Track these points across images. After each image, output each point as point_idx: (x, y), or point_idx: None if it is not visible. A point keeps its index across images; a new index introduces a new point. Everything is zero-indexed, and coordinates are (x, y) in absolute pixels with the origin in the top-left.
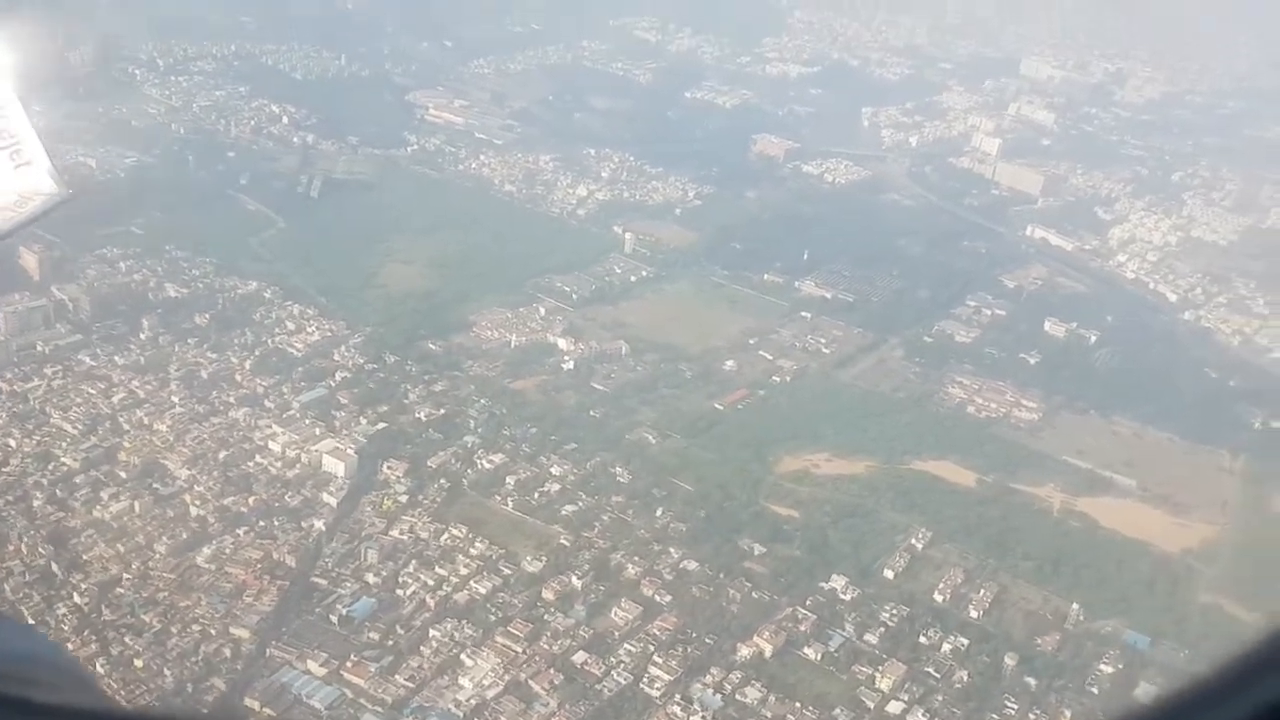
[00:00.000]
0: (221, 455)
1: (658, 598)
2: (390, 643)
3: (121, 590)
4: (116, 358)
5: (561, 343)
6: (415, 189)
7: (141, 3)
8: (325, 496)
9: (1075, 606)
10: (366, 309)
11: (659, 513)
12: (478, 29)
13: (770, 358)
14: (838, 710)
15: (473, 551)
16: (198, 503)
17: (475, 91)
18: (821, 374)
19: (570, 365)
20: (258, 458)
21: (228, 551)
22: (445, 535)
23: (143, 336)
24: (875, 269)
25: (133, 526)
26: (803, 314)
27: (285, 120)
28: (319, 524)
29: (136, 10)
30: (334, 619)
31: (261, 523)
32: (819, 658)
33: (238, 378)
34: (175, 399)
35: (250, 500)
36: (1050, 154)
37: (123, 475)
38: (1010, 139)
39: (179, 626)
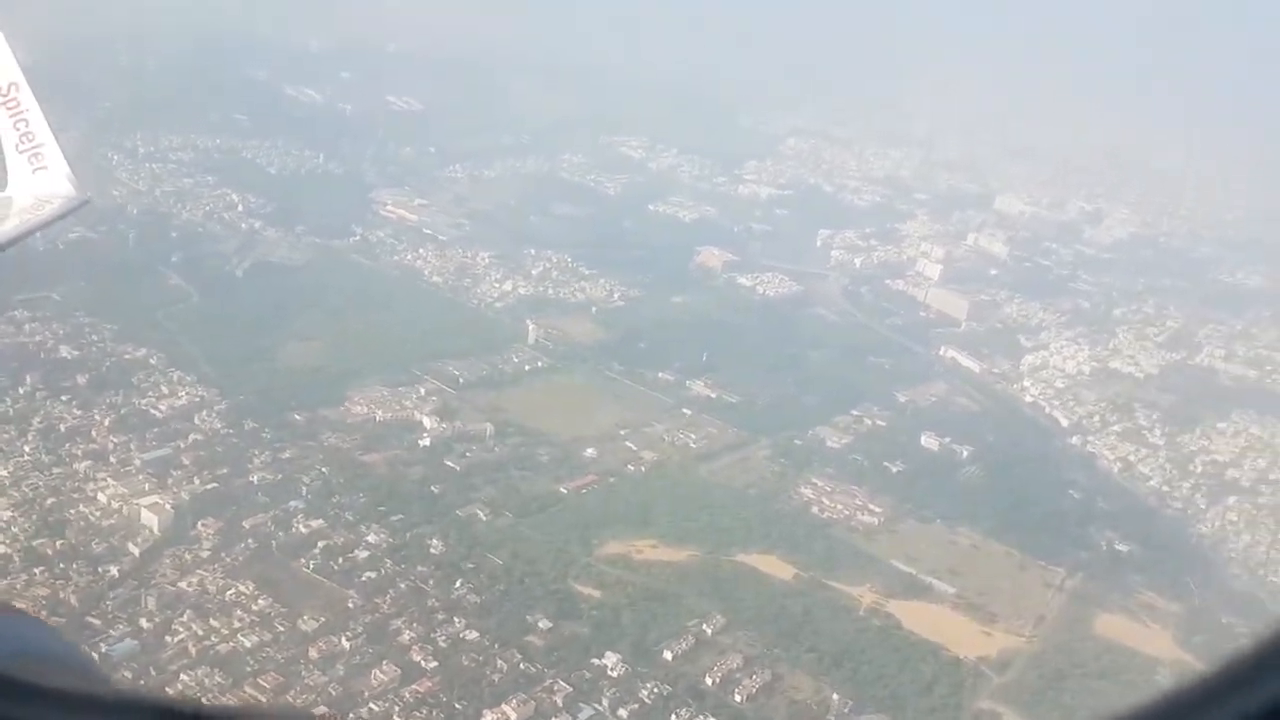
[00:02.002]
0: (49, 502)
1: (423, 663)
2: (141, 682)
3: None
4: None
5: (427, 421)
6: (343, 275)
7: (142, 94)
8: (131, 546)
9: (836, 698)
10: (247, 379)
11: (458, 584)
12: (467, 139)
13: (634, 448)
14: None
15: (254, 608)
16: (7, 542)
17: (439, 193)
18: (680, 466)
19: (427, 442)
20: (82, 506)
21: (18, 587)
22: (232, 591)
23: (21, 391)
24: (772, 375)
25: None
26: (684, 411)
27: (240, 208)
28: (114, 570)
29: (135, 100)
30: (94, 656)
31: (61, 565)
32: None
33: (94, 433)
34: (27, 448)
35: (58, 544)
36: (995, 283)
37: None
38: (958, 267)
39: None
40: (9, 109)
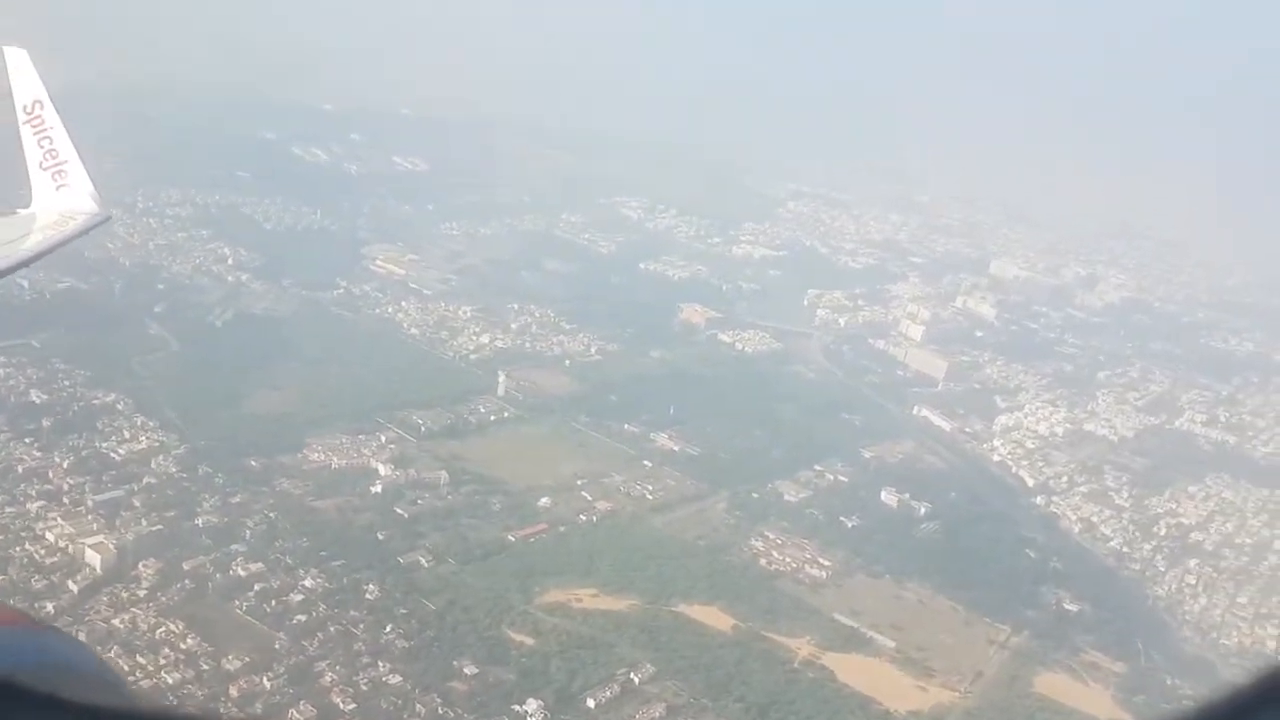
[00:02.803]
0: None
1: (342, 704)
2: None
3: None
4: None
5: (381, 469)
6: (322, 326)
7: (148, 149)
8: (71, 584)
9: None
10: (210, 426)
11: (388, 629)
12: (466, 198)
13: (590, 498)
14: None
15: (181, 646)
16: None
17: (432, 249)
18: (634, 517)
19: (379, 490)
20: (29, 545)
21: None
22: (162, 629)
23: None
24: (739, 429)
25: None
26: (645, 462)
27: (230, 261)
28: (51, 606)
29: (141, 155)
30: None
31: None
32: None
33: (51, 475)
34: None
35: (0, 580)
36: (979, 345)
37: None
38: (944, 328)
39: None
40: (34, 127)
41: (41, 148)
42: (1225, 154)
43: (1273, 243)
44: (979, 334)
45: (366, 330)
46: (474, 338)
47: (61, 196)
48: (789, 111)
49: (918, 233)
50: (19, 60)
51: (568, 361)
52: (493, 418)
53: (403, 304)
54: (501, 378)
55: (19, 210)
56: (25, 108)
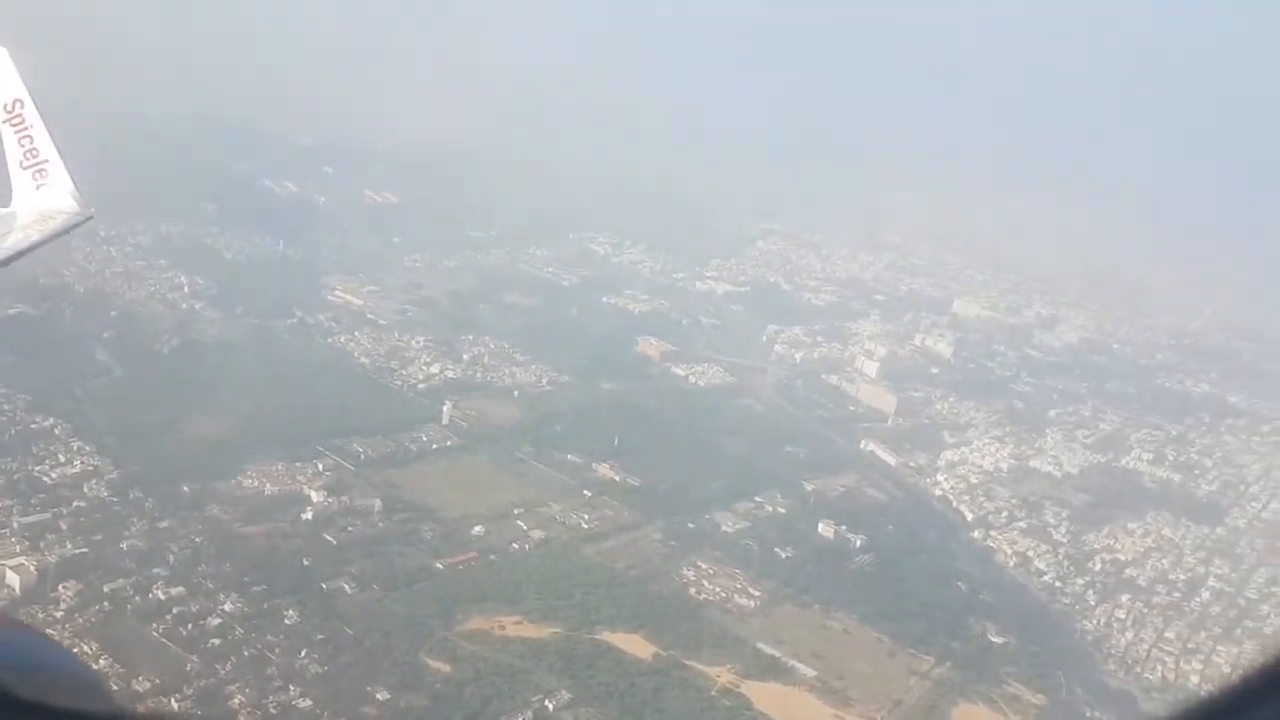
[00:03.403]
0: None
1: None
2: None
3: None
4: None
5: (314, 495)
6: (271, 354)
7: (116, 179)
8: None
9: None
10: (146, 451)
11: (303, 654)
12: (434, 231)
13: (525, 527)
14: None
15: (93, 668)
16: None
17: (393, 280)
18: (567, 546)
19: (309, 516)
20: None
21: None
22: (76, 650)
23: None
24: (682, 461)
25: None
26: (585, 492)
27: (185, 289)
28: None
29: (107, 185)
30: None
31: None
32: None
33: None
34: None
35: None
36: (934, 382)
37: None
38: (900, 365)
39: None
40: (14, 125)
41: (22, 147)
42: (1197, 199)
43: (1239, 287)
44: (934, 371)
45: (316, 359)
46: (424, 368)
47: (42, 196)
48: (766, 152)
49: (884, 272)
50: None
51: (516, 392)
52: (435, 446)
53: (356, 334)
54: (446, 407)
55: None
56: (5, 106)
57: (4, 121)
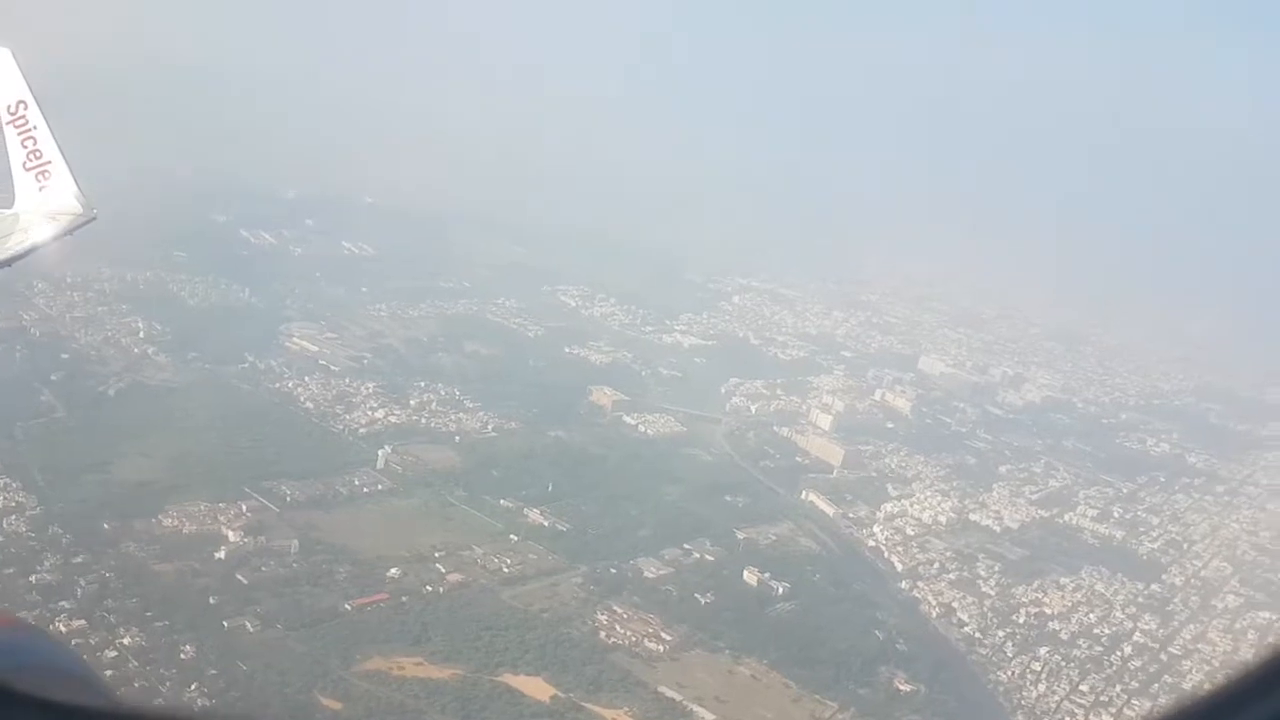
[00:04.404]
0: None
1: None
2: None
3: None
4: None
5: (232, 535)
6: (215, 398)
7: (90, 227)
8: None
9: None
10: (74, 489)
11: (193, 687)
12: (405, 282)
13: (443, 570)
14: None
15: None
16: None
17: (354, 328)
18: (483, 589)
19: (222, 555)
20: None
21: None
22: None
23: None
24: (616, 507)
25: None
26: (511, 537)
27: (141, 334)
28: None
29: (82, 232)
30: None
31: None
32: None
33: None
34: None
35: None
36: (888, 436)
37: None
38: (857, 419)
39: None
40: (17, 126)
41: (25, 148)
42: (1189, 262)
43: (1219, 349)
44: (890, 426)
45: (260, 403)
46: (369, 413)
47: (45, 197)
48: (757, 210)
49: (856, 329)
50: (3, 60)
51: (458, 438)
52: (365, 490)
53: (305, 379)
54: (382, 451)
55: (1, 211)
56: (9, 108)
57: (7, 122)
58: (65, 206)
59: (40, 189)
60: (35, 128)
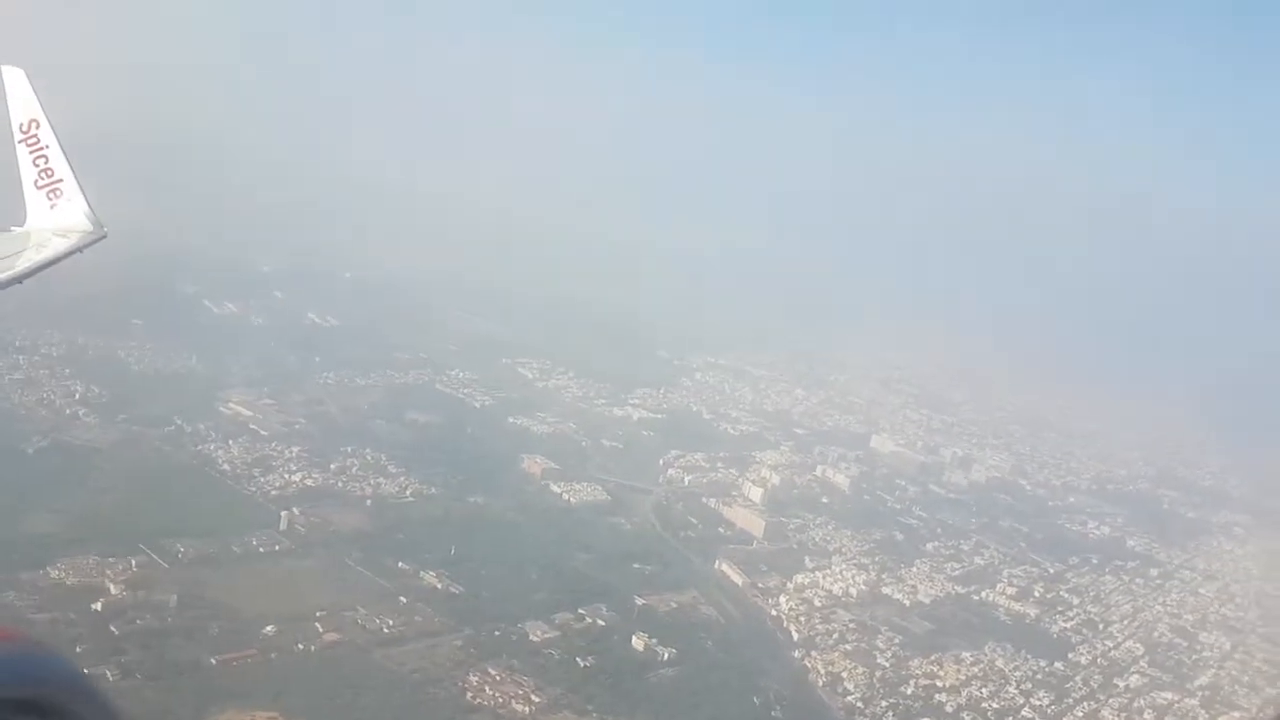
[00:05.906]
0: None
1: None
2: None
3: None
4: None
5: (113, 588)
6: (134, 458)
7: (51, 293)
8: None
9: None
10: None
11: None
12: (360, 352)
13: (320, 629)
14: None
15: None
16: None
17: (295, 395)
18: (357, 649)
19: (99, 607)
20: None
21: None
22: None
23: None
24: (517, 572)
25: None
26: (401, 598)
27: (76, 397)
28: None
29: (43, 297)
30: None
31: None
32: None
33: None
34: None
35: None
36: (820, 510)
37: None
38: (794, 493)
39: None
40: (29, 145)
41: (37, 166)
42: (1168, 351)
43: (1187, 437)
44: (825, 500)
45: (178, 464)
46: (285, 476)
47: (56, 215)
48: (744, 293)
49: (815, 407)
50: (16, 79)
51: (370, 502)
52: (261, 550)
53: (230, 443)
54: (285, 513)
55: (13, 228)
56: (21, 126)
57: (19, 141)
58: (76, 224)
59: (52, 207)
60: (47, 146)
